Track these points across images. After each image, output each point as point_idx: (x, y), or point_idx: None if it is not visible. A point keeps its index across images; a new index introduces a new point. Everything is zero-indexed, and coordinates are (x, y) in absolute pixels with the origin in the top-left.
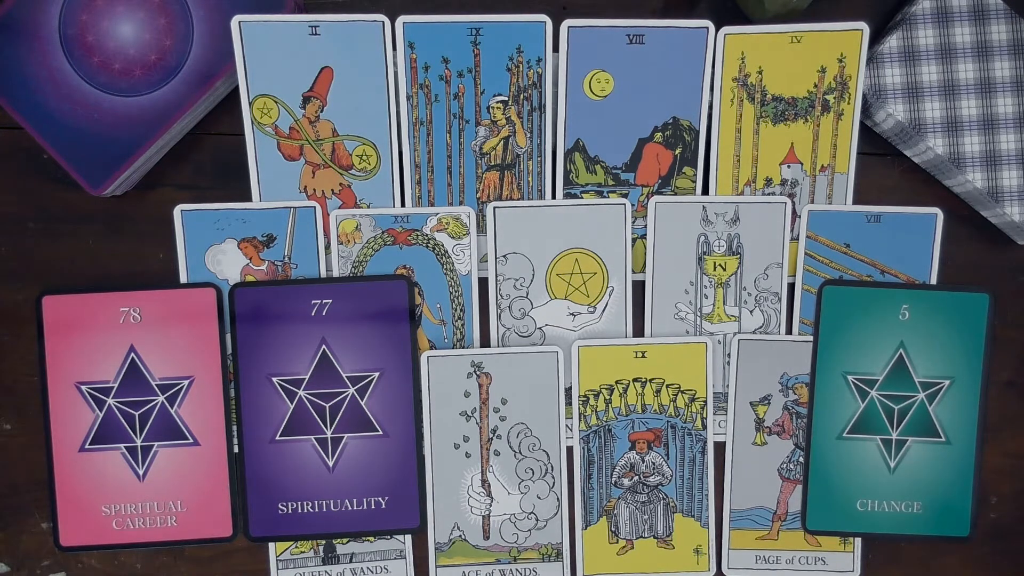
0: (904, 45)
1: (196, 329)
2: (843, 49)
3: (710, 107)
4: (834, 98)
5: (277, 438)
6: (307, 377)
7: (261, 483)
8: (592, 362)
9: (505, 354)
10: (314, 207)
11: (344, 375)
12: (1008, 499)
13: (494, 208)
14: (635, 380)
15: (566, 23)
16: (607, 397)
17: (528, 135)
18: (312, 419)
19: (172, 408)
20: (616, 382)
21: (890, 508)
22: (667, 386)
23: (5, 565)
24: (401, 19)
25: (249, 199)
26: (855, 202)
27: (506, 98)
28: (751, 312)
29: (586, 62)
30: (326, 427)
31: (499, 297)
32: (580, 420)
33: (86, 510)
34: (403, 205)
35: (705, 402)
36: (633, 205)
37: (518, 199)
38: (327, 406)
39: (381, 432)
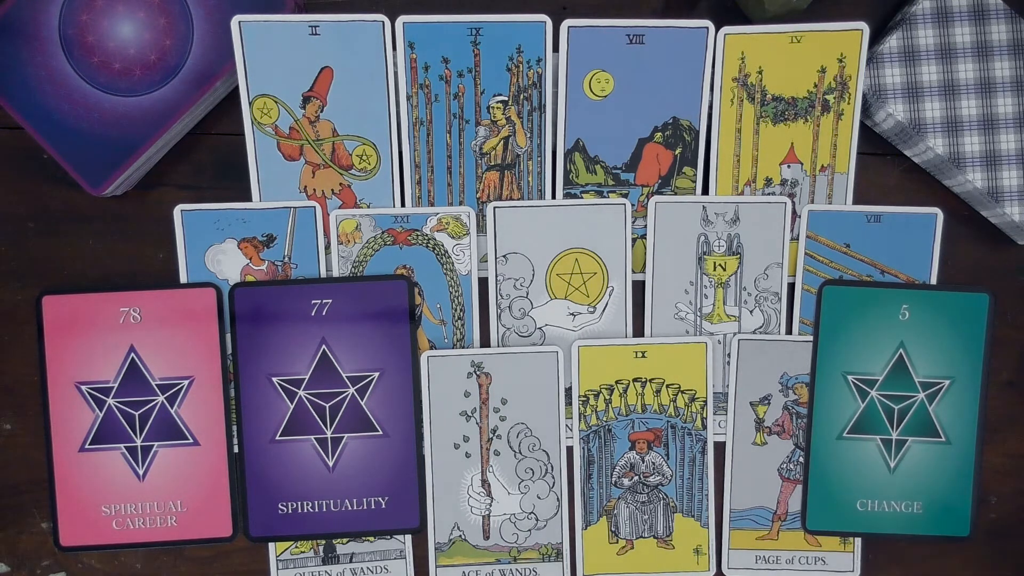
0: (904, 45)
1: (196, 329)
2: (843, 49)
3: (710, 107)
4: (834, 98)
5: (277, 438)
6: (307, 377)
7: (261, 483)
8: (592, 362)
9: (505, 354)
10: (314, 207)
11: (344, 375)
12: (1008, 499)
13: (494, 208)
14: (635, 380)
15: (566, 23)
16: (607, 397)
17: (528, 135)
18: (312, 419)
19: (172, 408)
20: (616, 382)
21: (890, 508)
22: (667, 386)
23: (5, 565)
24: (401, 19)
25: (249, 199)
26: (855, 202)
27: (506, 98)
28: (751, 312)
29: (586, 62)
30: (326, 427)
31: (499, 297)
32: (580, 420)
33: (86, 510)
34: (403, 205)
35: (705, 402)
36: (633, 205)
37: (518, 199)
38: (327, 406)
39: (381, 432)
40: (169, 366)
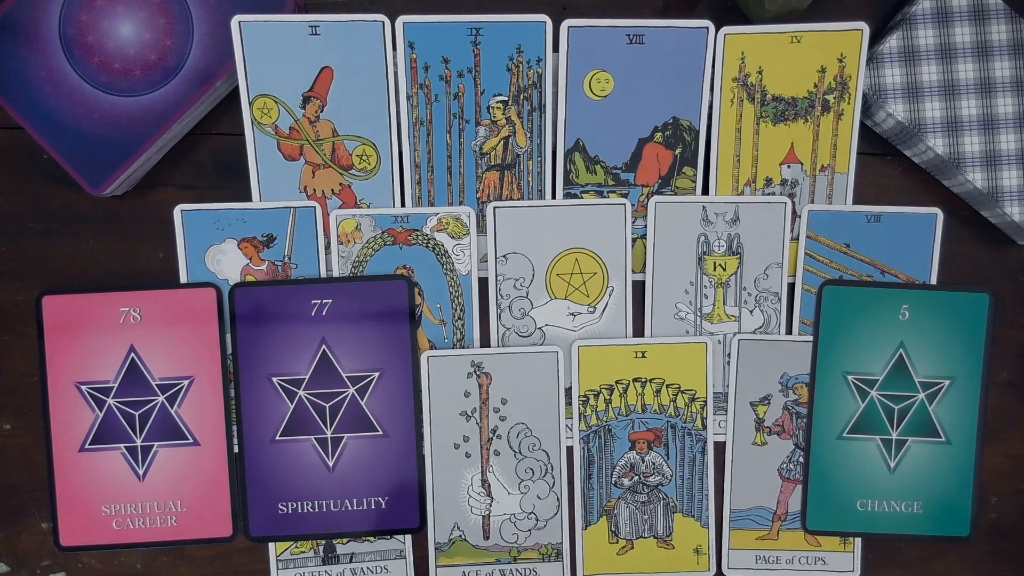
0: (904, 45)
1: (196, 329)
2: (843, 49)
3: (710, 107)
4: (834, 98)
5: (277, 438)
6: (307, 377)
7: (261, 483)
8: (592, 362)
9: (505, 354)
10: (314, 207)
11: (344, 375)
12: (1008, 499)
13: (494, 208)
14: (635, 380)
15: (566, 23)
16: (607, 397)
17: (528, 135)
18: (312, 419)
19: (172, 408)
20: (616, 382)
21: (890, 508)
22: (667, 386)
23: (5, 565)
24: (401, 19)
25: (249, 199)
26: (855, 202)
27: (506, 98)
28: (751, 312)
29: (586, 62)
30: (326, 427)
31: (499, 297)
32: (580, 420)
33: (86, 510)
34: (403, 205)
35: (705, 402)
36: (633, 205)
37: (518, 199)
38: (327, 406)
39: (381, 432)
40: (169, 366)
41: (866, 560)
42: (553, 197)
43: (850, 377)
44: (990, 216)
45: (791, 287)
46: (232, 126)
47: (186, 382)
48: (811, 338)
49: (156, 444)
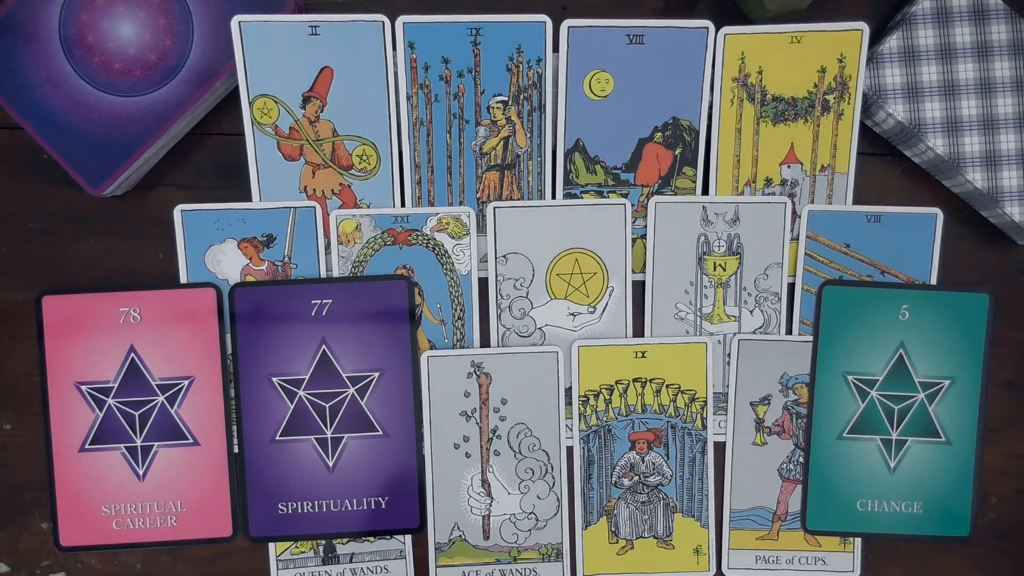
0: (904, 45)
1: (196, 329)
2: (843, 49)
3: (710, 107)
4: (834, 98)
5: (277, 438)
6: (307, 377)
7: (261, 483)
8: (592, 362)
9: (505, 354)
10: (314, 207)
11: (344, 375)
12: (1008, 499)
13: (494, 208)
14: (635, 380)
15: (566, 23)
16: (607, 397)
17: (528, 135)
18: (312, 419)
19: (172, 408)
20: (616, 382)
21: (890, 508)
22: (667, 386)
23: (5, 565)
24: (401, 19)
25: (249, 199)
26: (855, 202)
27: (506, 98)
28: (751, 312)
29: (586, 62)
30: (326, 427)
31: (499, 297)
32: (580, 420)
33: (86, 510)
34: (403, 205)
35: (705, 402)
36: (633, 205)
37: (518, 199)
38: (327, 406)
39: (381, 432)
40: (169, 366)
41: (866, 560)
42: (553, 197)
43: (850, 377)
44: (990, 216)
45: (791, 287)
46: (232, 126)
47: (186, 382)
48: (811, 338)
49: (156, 444)
